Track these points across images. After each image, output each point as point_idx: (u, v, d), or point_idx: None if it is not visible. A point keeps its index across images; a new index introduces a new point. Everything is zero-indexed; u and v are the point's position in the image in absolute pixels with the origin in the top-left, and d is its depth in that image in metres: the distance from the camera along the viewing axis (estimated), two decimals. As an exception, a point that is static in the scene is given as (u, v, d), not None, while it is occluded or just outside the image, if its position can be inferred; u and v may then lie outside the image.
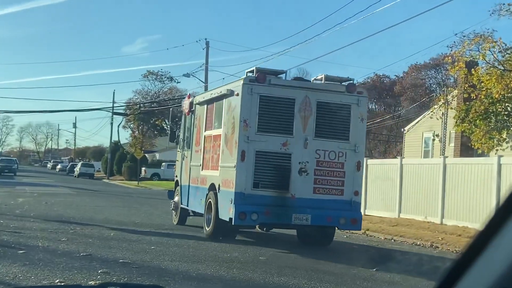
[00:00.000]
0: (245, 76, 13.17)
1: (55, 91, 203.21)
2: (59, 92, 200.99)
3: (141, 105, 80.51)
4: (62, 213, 19.13)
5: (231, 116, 13.27)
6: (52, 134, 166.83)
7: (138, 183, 52.60)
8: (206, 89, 45.93)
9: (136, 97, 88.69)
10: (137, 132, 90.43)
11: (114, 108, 69.69)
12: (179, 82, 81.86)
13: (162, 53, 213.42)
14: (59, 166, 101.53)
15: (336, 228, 13.82)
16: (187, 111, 17.08)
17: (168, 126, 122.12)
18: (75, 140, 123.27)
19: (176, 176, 18.36)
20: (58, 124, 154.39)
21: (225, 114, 13.73)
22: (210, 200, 13.99)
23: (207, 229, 14.14)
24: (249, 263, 10.87)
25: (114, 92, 74.36)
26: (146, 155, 78.32)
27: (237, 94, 13.04)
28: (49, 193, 30.57)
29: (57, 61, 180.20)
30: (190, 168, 16.33)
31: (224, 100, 13.87)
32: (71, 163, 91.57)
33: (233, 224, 12.73)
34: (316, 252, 13.17)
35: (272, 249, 13.07)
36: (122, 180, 67.45)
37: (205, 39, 47.12)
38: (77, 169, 74.39)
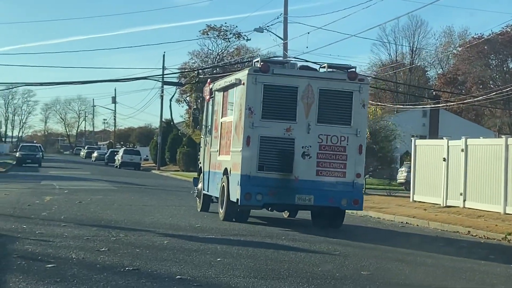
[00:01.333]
0: (251, 67, 17.99)
1: (88, 56, 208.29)
2: (93, 57, 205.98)
3: (200, 71, 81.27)
4: (101, 215, 19.66)
5: (239, 104, 17.90)
6: (86, 112, 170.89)
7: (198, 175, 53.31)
8: (285, 47, 45.95)
9: (193, 61, 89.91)
10: (195, 106, 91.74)
11: (165, 76, 70.68)
12: (249, 40, 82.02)
13: (226, 2, 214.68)
14: (95, 154, 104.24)
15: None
16: (207, 97, 21.96)
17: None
18: (115, 119, 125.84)
19: (200, 163, 23.30)
20: (93, 99, 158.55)
21: (234, 102, 18.43)
22: (223, 184, 18.78)
23: (221, 211, 19.06)
24: (348, 279, 10.86)
25: (164, 55, 75.14)
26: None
27: (243, 84, 17.65)
28: (83, 190, 31.46)
29: (89, 16, 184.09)
30: (210, 154, 21.15)
31: (235, 88, 18.49)
32: (110, 150, 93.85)
33: (239, 204, 17.54)
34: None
35: (376, 260, 13.07)
36: (177, 170, 68.48)
37: (283, -20, 46.99)
38: (118, 158, 76.08)
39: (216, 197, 20.29)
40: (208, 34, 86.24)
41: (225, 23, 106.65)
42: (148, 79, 55.21)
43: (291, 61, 19.83)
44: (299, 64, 19.59)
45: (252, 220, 19.63)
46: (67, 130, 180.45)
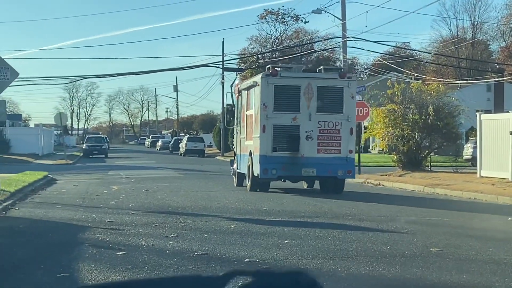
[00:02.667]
0: (264, 72, 23.46)
1: (147, 47, 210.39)
2: (153, 47, 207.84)
3: (259, 55, 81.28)
4: (168, 202, 19.91)
5: (257, 100, 22.91)
6: (149, 102, 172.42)
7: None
8: (344, 27, 45.64)
9: (252, 46, 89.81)
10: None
11: (225, 62, 70.87)
12: (308, 22, 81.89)
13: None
14: (159, 143, 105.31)
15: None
16: (237, 95, 27.69)
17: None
18: (177, 107, 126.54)
19: (234, 148, 29.91)
20: (155, 89, 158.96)
21: (254, 99, 23.54)
22: (249, 163, 23.59)
23: (248, 184, 23.85)
24: (417, 256, 10.79)
25: (223, 42, 75.24)
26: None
27: (259, 85, 22.66)
28: (149, 178, 31.86)
29: (145, 6, 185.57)
30: (240, 140, 26.53)
31: (254, 88, 23.59)
32: (174, 138, 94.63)
33: (259, 178, 22.61)
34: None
35: (445, 237, 12.96)
36: (241, 156, 68.47)
37: (339, -41, 46.67)
38: (182, 145, 76.73)
39: (245, 174, 24.68)
40: (266, 19, 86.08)
41: (283, 6, 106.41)
42: (208, 66, 55.68)
43: (296, 65, 27.20)
44: (302, 68, 25.28)
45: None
46: (131, 120, 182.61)
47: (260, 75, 23.16)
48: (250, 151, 23.66)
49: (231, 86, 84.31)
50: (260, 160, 22.28)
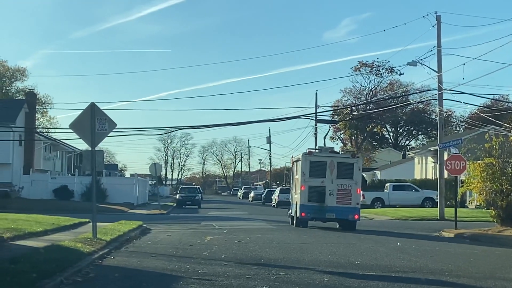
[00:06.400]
0: (304, 151, 34.30)
1: (240, 98, 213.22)
2: (246, 98, 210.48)
3: (353, 108, 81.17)
4: (260, 253, 19.89)
5: (299, 169, 33.76)
6: (242, 153, 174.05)
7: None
8: (439, 79, 45.23)
9: (346, 98, 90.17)
10: (349, 144, 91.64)
11: (318, 114, 70.99)
12: (402, 74, 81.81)
13: (376, 37, 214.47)
14: (252, 194, 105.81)
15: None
16: (291, 163, 39.01)
17: (391, 135, 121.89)
18: (270, 159, 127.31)
19: (290, 199, 39.69)
20: (248, 140, 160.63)
21: (298, 168, 34.49)
22: (295, 209, 34.72)
23: (293, 223, 35.31)
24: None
25: (316, 94, 75.44)
26: (364, 174, 78.86)
27: (299, 160, 33.79)
28: (242, 229, 31.95)
29: (238, 59, 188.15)
30: (293, 194, 37.19)
31: (298, 161, 34.22)
32: (267, 190, 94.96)
33: (299, 218, 33.54)
34: None
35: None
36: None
37: (435, 12, 46.71)
38: (275, 197, 76.83)
39: (293, 216, 35.68)
40: (360, 71, 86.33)
41: (377, 58, 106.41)
42: (301, 117, 55.72)
43: (325, 148, 37.68)
44: (329, 150, 35.43)
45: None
46: (224, 171, 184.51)
47: (301, 154, 33.98)
48: (296, 202, 34.57)
49: (324, 138, 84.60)
50: (300, 207, 33.29)
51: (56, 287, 12.71)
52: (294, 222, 34.66)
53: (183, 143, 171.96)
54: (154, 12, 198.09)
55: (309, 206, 32.71)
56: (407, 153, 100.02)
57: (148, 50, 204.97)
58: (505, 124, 55.82)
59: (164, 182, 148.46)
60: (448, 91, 46.81)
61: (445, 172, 39.68)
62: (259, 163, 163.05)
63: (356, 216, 32.75)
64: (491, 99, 79.93)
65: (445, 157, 40.37)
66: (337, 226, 34.11)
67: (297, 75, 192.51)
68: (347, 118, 79.99)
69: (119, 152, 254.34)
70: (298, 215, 33.63)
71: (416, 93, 78.86)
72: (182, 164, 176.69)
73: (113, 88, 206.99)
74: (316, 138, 76.80)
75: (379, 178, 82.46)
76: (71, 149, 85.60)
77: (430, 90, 55.36)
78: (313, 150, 34.78)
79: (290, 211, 37.83)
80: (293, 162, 37.74)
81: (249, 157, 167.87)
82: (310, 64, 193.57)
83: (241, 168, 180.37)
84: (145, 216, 46.61)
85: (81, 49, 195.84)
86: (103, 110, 23.02)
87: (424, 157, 79.11)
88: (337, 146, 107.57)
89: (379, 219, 46.96)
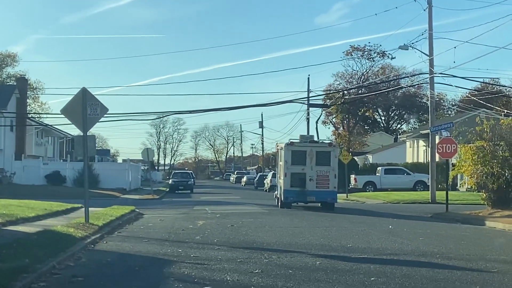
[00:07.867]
0: (286, 142, 38.28)
1: (233, 83, 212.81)
2: (238, 83, 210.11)
3: (345, 92, 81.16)
4: (253, 237, 19.95)
5: (282, 158, 37.09)
6: (234, 138, 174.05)
7: (347, 196, 53.21)
8: (431, 63, 45.29)
9: (338, 83, 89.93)
10: (341, 128, 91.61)
11: (310, 98, 70.97)
12: (394, 58, 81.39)
13: (368, 21, 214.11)
14: (244, 179, 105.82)
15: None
16: (276, 151, 42.82)
17: (382, 119, 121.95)
18: (262, 143, 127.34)
19: (276, 183, 44.26)
20: (241, 125, 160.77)
21: (281, 157, 37.80)
22: (280, 192, 38.06)
23: (278, 205, 38.41)
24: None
25: (308, 78, 75.23)
26: (356, 158, 78.97)
27: (282, 149, 37.32)
28: (234, 213, 32.01)
29: (230, 43, 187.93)
30: (277, 179, 41.15)
31: (282, 150, 37.44)
32: (259, 174, 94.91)
33: (283, 201, 36.87)
34: None
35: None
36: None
37: (426, -5, 46.42)
38: (267, 181, 76.82)
39: (278, 198, 39.12)
40: (352, 55, 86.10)
41: (369, 42, 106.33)
42: (293, 102, 55.89)
43: (306, 136, 39.69)
44: (309, 140, 38.23)
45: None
46: (216, 156, 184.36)
47: (284, 144, 37.64)
48: (280, 186, 38.10)
49: (316, 122, 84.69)
50: (283, 192, 36.62)
51: (49, 272, 12.71)
52: (279, 204, 38.13)
53: (176, 128, 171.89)
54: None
55: (292, 191, 36.19)
56: (398, 137, 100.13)
57: (140, 35, 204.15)
58: (496, 107, 55.90)
59: (156, 167, 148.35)
60: (440, 75, 46.90)
61: (437, 155, 39.66)
62: (252, 147, 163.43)
63: (333, 199, 36.50)
64: (482, 82, 79.98)
65: (437, 141, 40.42)
66: (319, 205, 37.78)
67: (289, 60, 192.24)
68: (339, 102, 79.98)
69: (111, 138, 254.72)
70: (282, 198, 36.99)
71: (408, 77, 78.91)
72: (175, 149, 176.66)
73: (104, 73, 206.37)
74: (308, 122, 76.78)
75: (371, 162, 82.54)
76: (63, 135, 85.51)
77: (421, 73, 55.34)
78: (295, 141, 38.00)
79: (276, 193, 41.61)
80: (278, 150, 41.17)
81: (241, 142, 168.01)
82: (302, 48, 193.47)
83: (234, 153, 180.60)
84: (137, 201, 46.61)
85: (72, 34, 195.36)
86: (95, 95, 23.00)
87: (415, 141, 79.27)
88: (329, 131, 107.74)
89: (371, 203, 47.10)
